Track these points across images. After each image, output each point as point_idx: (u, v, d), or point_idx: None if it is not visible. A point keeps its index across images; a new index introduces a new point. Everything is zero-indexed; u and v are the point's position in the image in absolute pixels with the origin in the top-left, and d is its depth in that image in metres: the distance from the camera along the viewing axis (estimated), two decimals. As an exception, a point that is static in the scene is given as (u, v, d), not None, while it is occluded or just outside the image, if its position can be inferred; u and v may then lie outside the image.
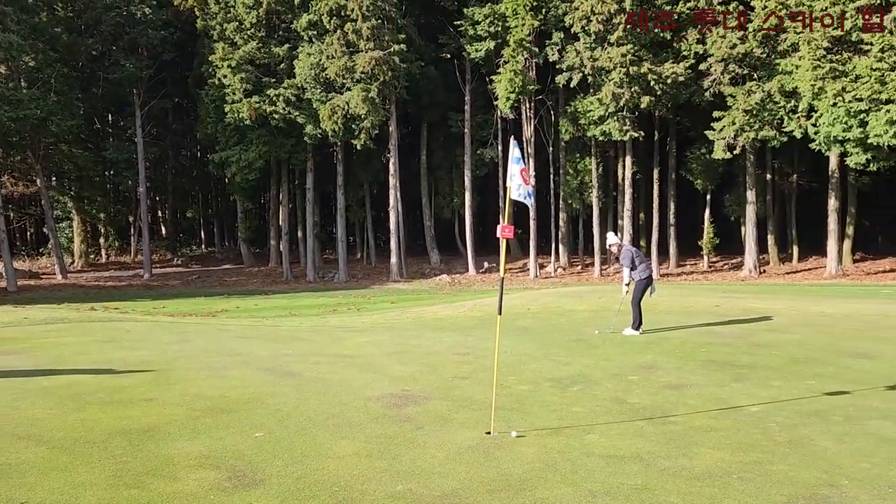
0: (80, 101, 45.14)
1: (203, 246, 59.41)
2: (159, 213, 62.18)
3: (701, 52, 33.26)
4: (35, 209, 57.04)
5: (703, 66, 33.12)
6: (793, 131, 32.28)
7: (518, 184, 6.60)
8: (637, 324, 12.14)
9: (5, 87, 39.49)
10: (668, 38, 33.71)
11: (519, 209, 43.13)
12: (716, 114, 33.07)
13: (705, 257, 40.58)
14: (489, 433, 6.48)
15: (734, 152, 33.65)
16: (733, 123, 32.33)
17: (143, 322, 15.52)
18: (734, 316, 14.24)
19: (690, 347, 10.87)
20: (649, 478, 5.40)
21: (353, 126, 36.07)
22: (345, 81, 35.65)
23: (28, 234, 62.72)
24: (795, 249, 40.16)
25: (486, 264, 41.40)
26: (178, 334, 13.07)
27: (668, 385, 8.53)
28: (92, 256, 55.21)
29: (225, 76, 38.15)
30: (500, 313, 6.96)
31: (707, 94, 33.45)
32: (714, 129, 33.24)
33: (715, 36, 32.50)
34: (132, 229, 56.31)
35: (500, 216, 41.40)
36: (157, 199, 61.36)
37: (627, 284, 12.38)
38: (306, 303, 30.43)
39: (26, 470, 5.14)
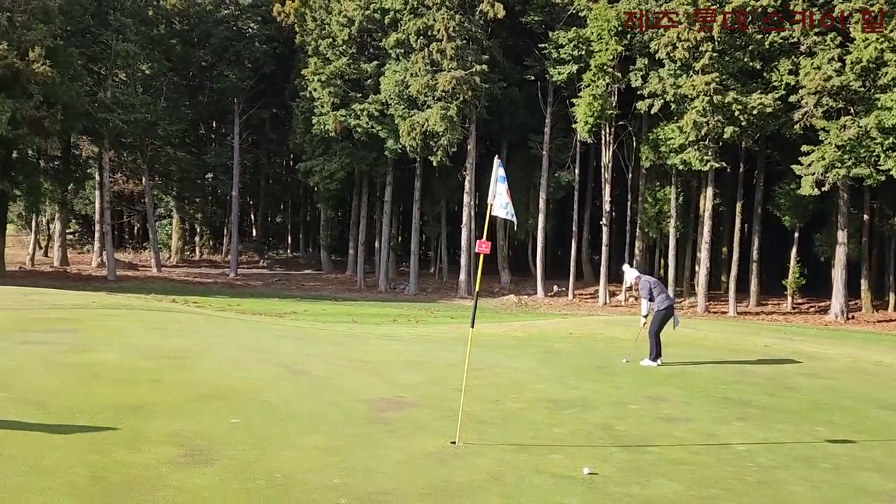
0: (187, 108, 48.19)
1: (289, 250, 61.77)
2: (251, 217, 65.11)
3: (793, 83, 32.03)
4: (141, 206, 60.97)
5: (793, 98, 31.87)
6: (890, 170, 30.51)
7: (505, 202, 6.78)
8: (654, 355, 11.92)
9: (121, 92, 42.72)
10: (759, 67, 32.67)
11: (596, 234, 42.63)
12: (804, 148, 31.71)
13: (789, 298, 38.71)
14: (454, 442, 6.64)
15: (823, 189, 32.10)
16: (822, 159, 30.89)
17: (200, 315, 16.48)
18: (779, 357, 13.68)
19: (712, 384, 10.59)
20: (587, 500, 5.44)
21: (431, 143, 36.84)
22: (426, 99, 36.52)
23: (135, 228, 67.16)
24: (892, 297, 37.74)
25: (555, 287, 41.09)
26: (222, 328, 13.84)
27: (666, 417, 8.41)
28: (187, 253, 58.54)
29: (315, 89, 39.86)
30: (472, 326, 7.11)
31: (797, 127, 32.12)
32: (802, 164, 31.86)
33: (808, 67, 31.24)
34: (225, 230, 59.32)
35: (574, 239, 41.04)
36: (250, 203, 64.31)
37: (645, 316, 12.19)
38: (371, 311, 31.20)
39: (16, 429, 5.76)
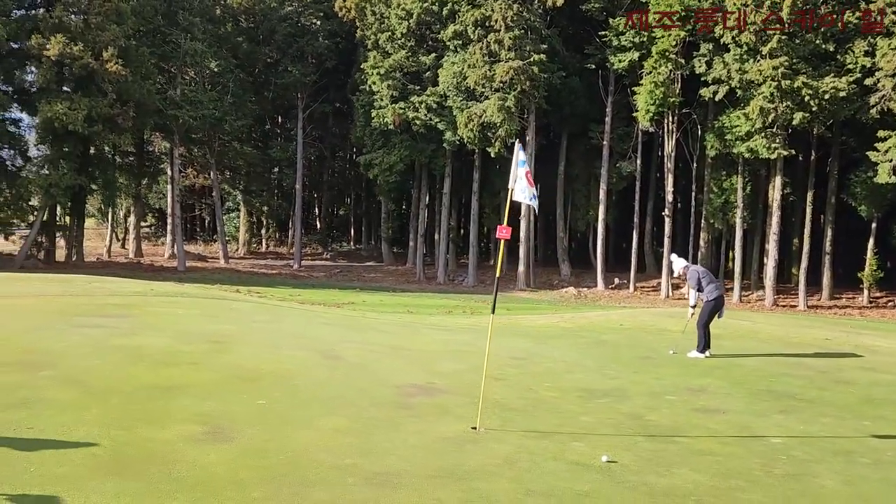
0: (253, 104, 49.41)
1: (352, 242, 62.75)
2: (315, 210, 66.37)
3: (869, 65, 30.45)
4: (211, 200, 63.01)
5: (869, 81, 30.30)
6: (975, 156, 28.71)
7: (523, 186, 6.72)
8: (702, 346, 11.58)
9: (189, 89, 44.23)
10: (832, 49, 31.18)
11: (660, 225, 41.67)
12: (881, 133, 30.11)
13: (866, 291, 36.94)
14: (475, 428, 6.64)
15: (902, 177, 30.45)
16: (901, 145, 29.32)
17: (253, 303, 16.94)
18: (837, 351, 13.08)
19: (758, 376, 10.23)
20: (600, 487, 5.36)
21: (489, 134, 36.71)
22: (484, 90, 36.41)
23: (206, 221, 69.48)
24: (978, 290, 35.58)
25: (616, 280, 40.38)
26: (272, 315, 14.19)
27: (702, 408, 8.18)
28: (254, 245, 60.27)
29: (374, 83, 40.29)
30: (493, 312, 7.08)
31: (873, 111, 30.53)
32: (878, 151, 30.27)
33: (885, 48, 29.62)
34: (290, 223, 60.73)
35: (636, 230, 40.22)
36: (315, 196, 65.57)
37: (694, 307, 11.86)
38: (428, 302, 31.39)
39: (52, 405, 6.08)
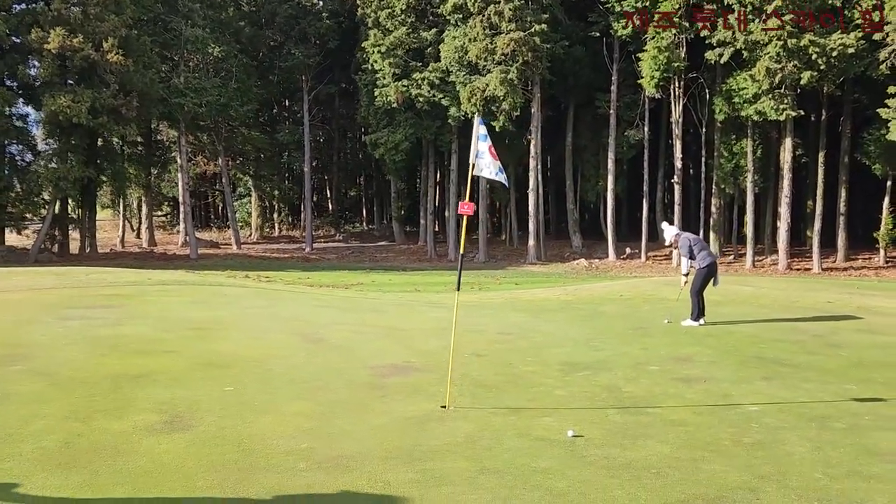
0: (258, 89, 49.24)
1: (364, 223, 62.79)
2: (327, 192, 66.45)
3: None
4: (222, 186, 63.21)
5: (878, 36, 29.48)
6: None
7: (489, 161, 6.57)
8: (696, 314, 11.43)
9: (193, 76, 44.16)
10: (839, 4, 30.34)
11: (670, 193, 41.18)
12: (891, 89, 29.34)
13: (882, 251, 36.31)
14: (444, 407, 6.59)
15: (914, 133, 29.72)
16: (912, 100, 28.57)
17: (250, 289, 17.00)
18: (837, 313, 12.86)
19: (748, 343, 10.07)
20: (559, 462, 5.28)
21: (493, 108, 36.36)
22: (486, 63, 35.99)
23: (219, 208, 69.82)
24: None
25: (628, 250, 40.07)
26: (267, 300, 14.20)
27: (683, 378, 8.06)
28: (266, 230, 60.51)
29: (376, 61, 39.98)
30: (458, 289, 6.99)
31: (883, 66, 29.75)
32: (889, 107, 29.53)
33: (894, 1, 28.73)
34: (302, 206, 60.84)
35: (645, 199, 39.75)
36: (325, 178, 65.59)
37: (686, 274, 11.68)
38: (436, 280, 31.34)
39: (12, 398, 6.11)
